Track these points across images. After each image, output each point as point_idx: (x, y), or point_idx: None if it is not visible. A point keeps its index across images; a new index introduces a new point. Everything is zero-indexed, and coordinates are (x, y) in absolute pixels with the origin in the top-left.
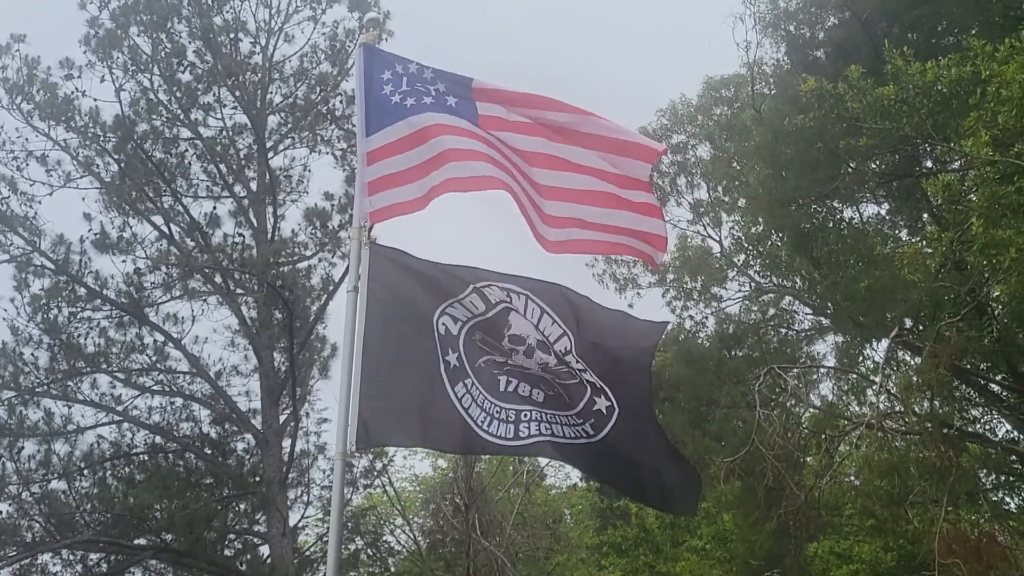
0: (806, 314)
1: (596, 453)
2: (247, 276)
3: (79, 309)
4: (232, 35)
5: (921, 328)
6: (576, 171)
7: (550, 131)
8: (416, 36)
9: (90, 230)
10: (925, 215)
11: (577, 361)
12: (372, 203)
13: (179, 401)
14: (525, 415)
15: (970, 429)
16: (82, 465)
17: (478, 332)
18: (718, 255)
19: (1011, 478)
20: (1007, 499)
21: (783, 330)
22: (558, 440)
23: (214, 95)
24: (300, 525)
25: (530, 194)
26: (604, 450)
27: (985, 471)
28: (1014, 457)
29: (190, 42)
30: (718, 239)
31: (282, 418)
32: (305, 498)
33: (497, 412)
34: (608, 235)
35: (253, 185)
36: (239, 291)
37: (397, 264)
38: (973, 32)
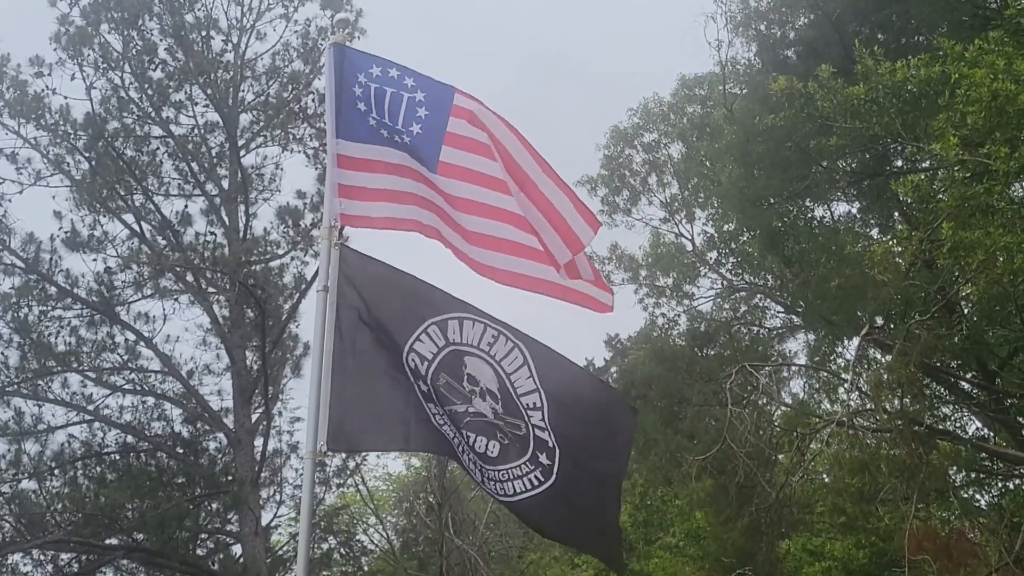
0: (777, 312)
1: (547, 498)
2: (219, 275)
3: (49, 308)
4: (204, 33)
5: (891, 326)
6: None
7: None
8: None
9: (60, 228)
10: (896, 214)
11: (541, 419)
12: (344, 206)
13: (151, 400)
14: (490, 474)
15: (940, 427)
16: (53, 465)
17: (442, 376)
18: (690, 253)
19: (981, 475)
20: (977, 496)
21: (755, 328)
22: (510, 499)
23: (185, 93)
24: (272, 524)
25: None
26: (554, 495)
27: (955, 468)
28: (984, 454)
29: (161, 39)
30: (690, 237)
31: (254, 417)
32: (278, 497)
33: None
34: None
35: (225, 183)
36: (211, 290)
37: (367, 270)
38: (942, 31)
